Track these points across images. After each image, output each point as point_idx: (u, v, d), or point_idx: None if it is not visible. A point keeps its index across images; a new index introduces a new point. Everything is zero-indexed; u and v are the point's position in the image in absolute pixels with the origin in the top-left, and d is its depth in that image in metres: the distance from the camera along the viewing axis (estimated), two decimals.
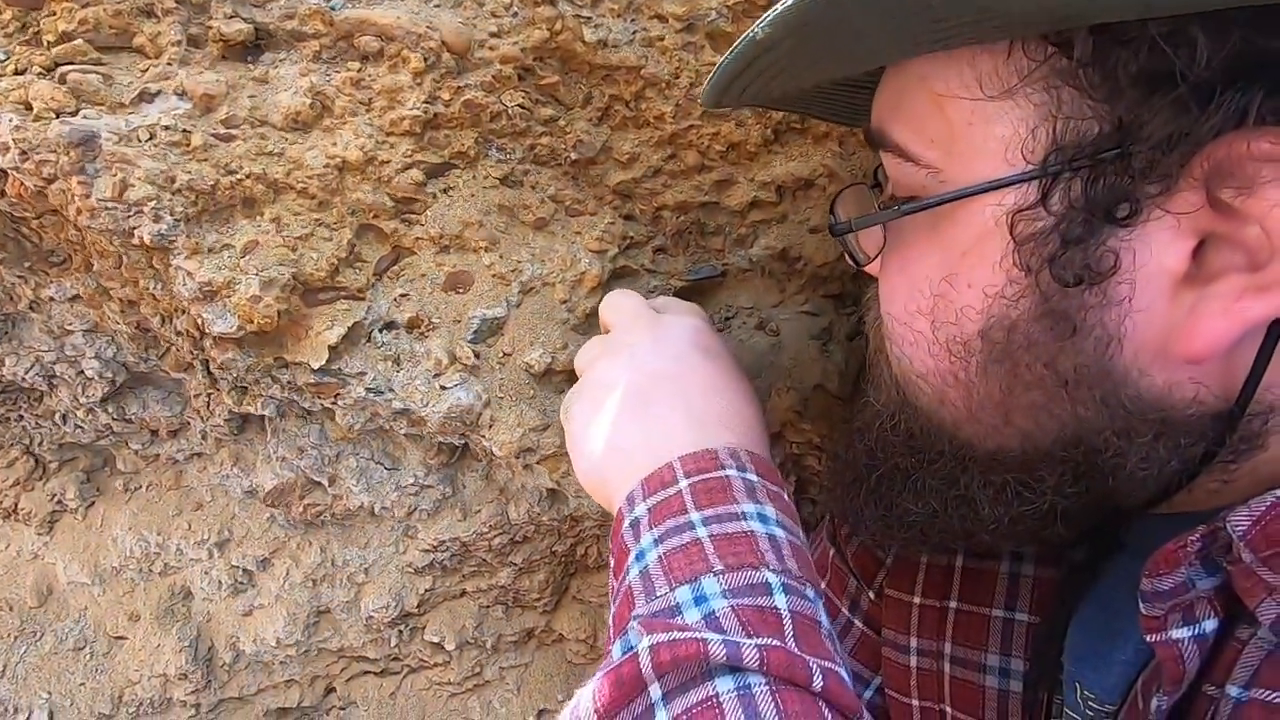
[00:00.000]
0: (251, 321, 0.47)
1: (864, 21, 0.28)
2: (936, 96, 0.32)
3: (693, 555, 0.34)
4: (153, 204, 0.44)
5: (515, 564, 0.62)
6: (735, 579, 0.33)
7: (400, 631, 0.64)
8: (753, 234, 0.64)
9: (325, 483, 0.60)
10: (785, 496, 0.39)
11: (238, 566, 0.62)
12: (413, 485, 0.60)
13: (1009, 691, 0.43)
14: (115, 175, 0.43)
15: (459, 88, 0.54)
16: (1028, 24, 0.26)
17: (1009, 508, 0.34)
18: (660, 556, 0.35)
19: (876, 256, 0.40)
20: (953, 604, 0.46)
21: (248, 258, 0.47)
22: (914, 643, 0.48)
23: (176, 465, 0.65)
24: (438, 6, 0.55)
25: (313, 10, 0.50)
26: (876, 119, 0.37)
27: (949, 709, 0.46)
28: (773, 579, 0.33)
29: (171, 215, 0.44)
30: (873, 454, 0.41)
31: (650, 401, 0.42)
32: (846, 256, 0.42)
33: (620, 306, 0.50)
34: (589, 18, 0.57)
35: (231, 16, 0.49)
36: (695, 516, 0.35)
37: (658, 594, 0.33)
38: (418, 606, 0.63)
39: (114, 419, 0.61)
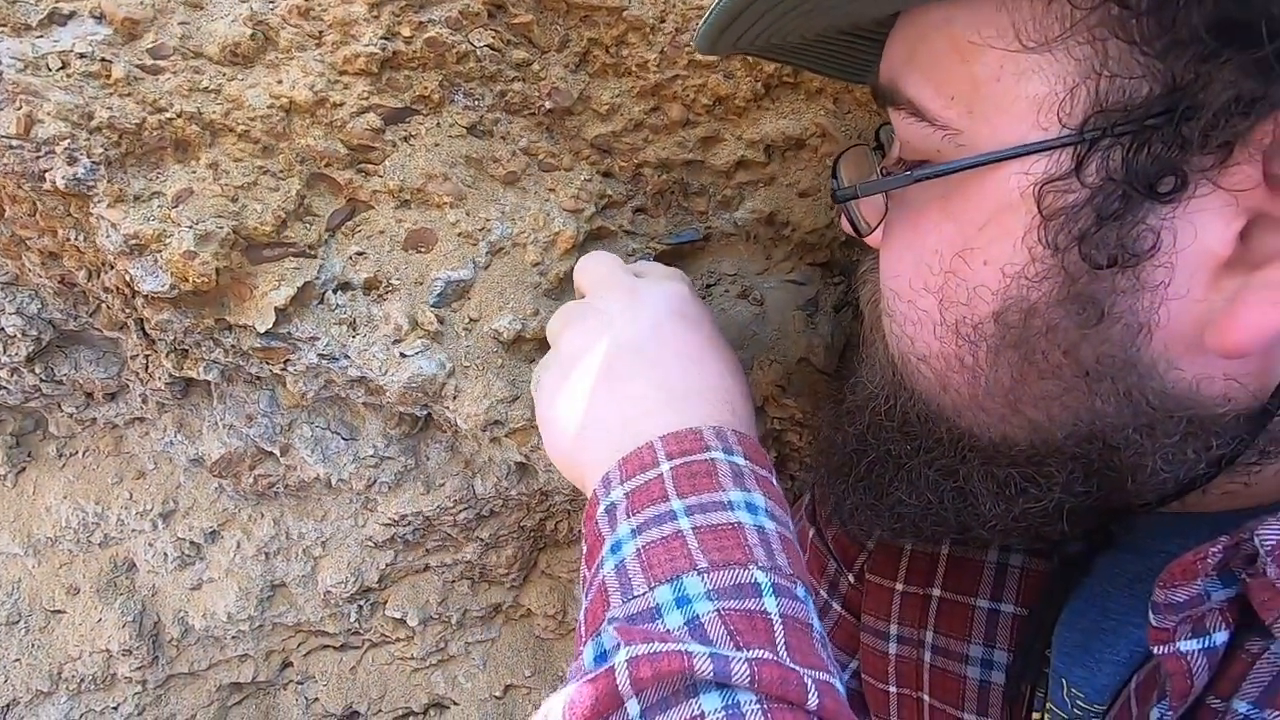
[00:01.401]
0: (186, 280, 0.42)
1: None
2: (961, 45, 0.28)
3: (674, 549, 0.31)
4: (66, 143, 0.39)
5: (482, 539, 0.59)
6: (721, 578, 0.30)
7: (360, 606, 0.61)
8: (739, 196, 0.61)
9: (277, 452, 0.56)
10: (774, 481, 0.36)
11: (184, 539, 0.59)
12: (372, 456, 0.56)
13: (990, 683, 0.42)
14: (20, 109, 0.37)
15: (421, 23, 0.49)
16: None
17: (1011, 504, 0.32)
18: (639, 549, 0.32)
19: (878, 226, 0.36)
20: (936, 592, 0.45)
21: (181, 208, 0.42)
22: (894, 630, 0.46)
23: (115, 430, 0.61)
24: None
25: None
26: (887, 72, 0.33)
27: (927, 697, 0.45)
28: (762, 578, 0.30)
29: (89, 157, 0.39)
30: (863, 438, 0.38)
31: (625, 375, 0.39)
32: (845, 224, 0.39)
33: (594, 270, 0.46)
34: None
35: None
36: (678, 505, 0.33)
37: (635, 593, 0.30)
38: (378, 581, 0.60)
39: (42, 380, 0.56)
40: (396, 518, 0.57)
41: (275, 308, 0.46)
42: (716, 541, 0.31)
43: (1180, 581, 0.27)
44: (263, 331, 0.46)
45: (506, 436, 0.53)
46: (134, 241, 0.41)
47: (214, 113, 0.44)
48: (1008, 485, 0.32)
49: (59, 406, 0.59)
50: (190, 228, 0.42)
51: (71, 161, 0.39)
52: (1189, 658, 0.28)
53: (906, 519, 0.36)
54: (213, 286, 0.43)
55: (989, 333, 0.30)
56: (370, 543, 0.59)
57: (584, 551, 0.35)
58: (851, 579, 0.51)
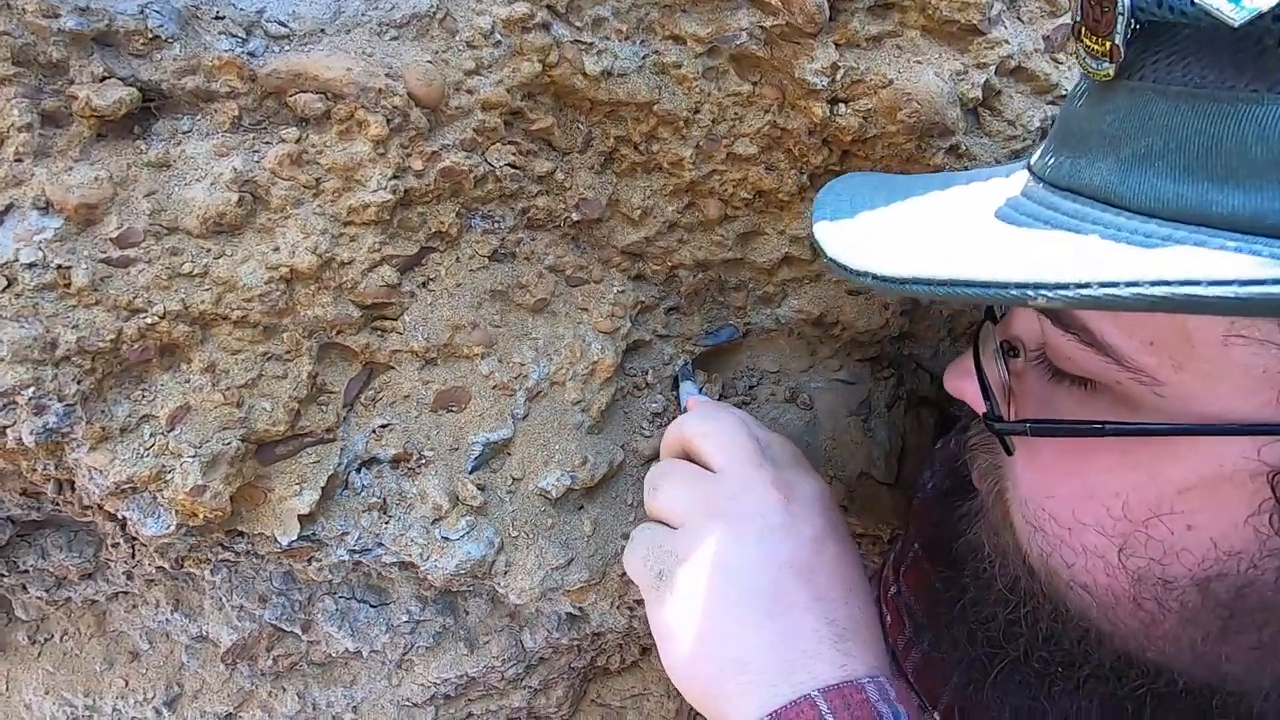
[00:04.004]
0: (196, 516, 0.35)
1: None
2: None
3: None
4: (30, 391, 0.31)
5: (530, 687, 0.55)
6: None
7: None
8: (781, 293, 0.56)
9: (298, 631, 0.49)
10: None
11: None
12: (406, 622, 0.50)
13: None
14: None
15: (433, 153, 0.42)
16: None
17: None
18: None
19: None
20: None
21: (178, 431, 0.35)
22: None
23: (96, 606, 0.53)
24: (396, 39, 0.41)
25: (223, 61, 0.36)
26: None
27: None
28: None
29: (60, 400, 0.31)
30: (996, 642, 0.35)
31: (787, 604, 0.35)
32: (965, 391, 0.34)
33: (725, 441, 0.40)
34: (590, 43, 0.44)
35: (104, 78, 0.34)
36: None
37: None
38: None
39: (3, 574, 0.48)
40: (438, 681, 0.52)
41: (299, 516, 0.39)
42: None
43: None
44: (285, 544, 0.39)
45: (562, 596, 0.48)
46: (127, 486, 0.33)
47: (202, 302, 0.36)
48: None
49: (24, 589, 0.51)
50: (194, 455, 0.34)
51: (39, 411, 0.31)
52: None
53: None
54: (226, 516, 0.36)
55: (1186, 597, 0.27)
56: (408, 702, 0.54)
57: None
58: (937, 717, 0.49)
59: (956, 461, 0.47)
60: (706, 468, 0.40)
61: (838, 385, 0.56)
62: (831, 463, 0.54)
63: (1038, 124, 0.49)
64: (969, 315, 0.57)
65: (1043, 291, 0.20)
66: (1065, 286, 0.19)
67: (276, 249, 0.38)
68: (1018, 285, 0.20)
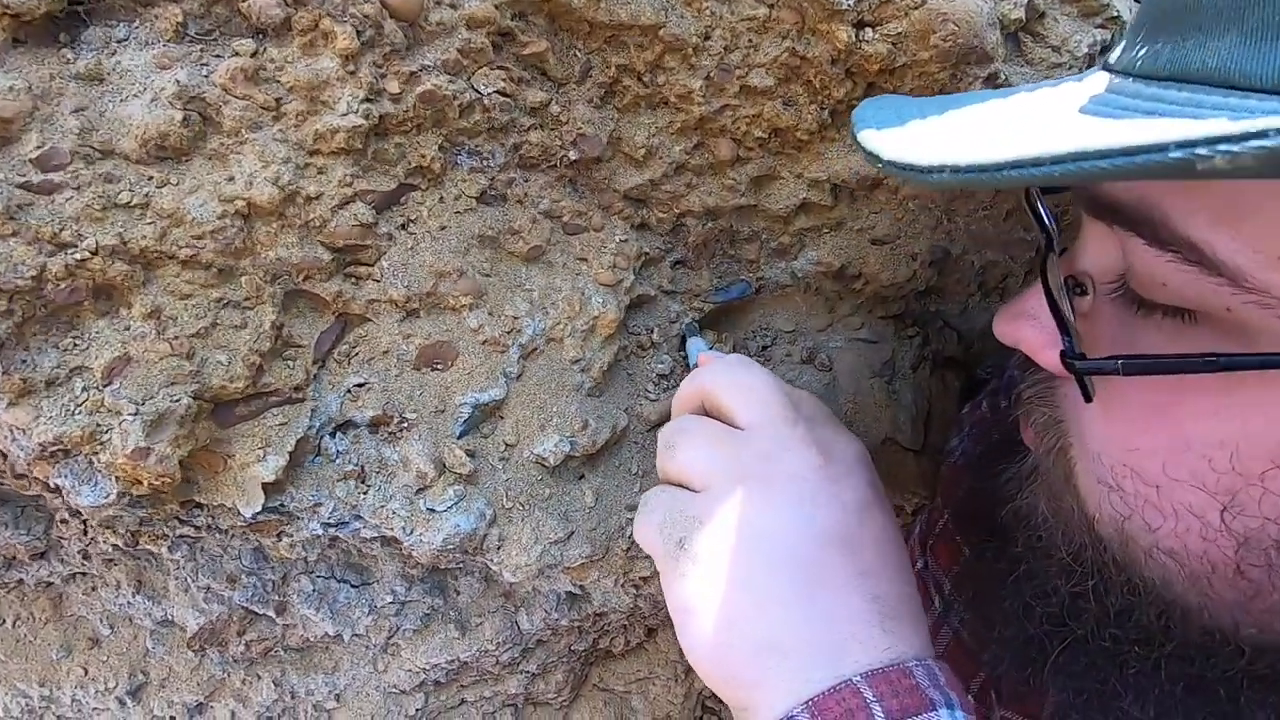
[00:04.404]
0: (140, 483, 0.31)
1: None
2: None
3: None
4: None
5: (528, 671, 0.51)
6: None
7: None
8: (798, 243, 0.51)
9: (271, 614, 0.45)
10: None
11: (162, 716, 0.48)
12: (391, 603, 0.46)
13: None
14: None
15: (412, 74, 0.37)
16: None
17: None
18: None
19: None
20: None
21: (116, 386, 0.30)
22: None
23: (51, 589, 0.49)
24: None
25: None
26: (1129, 189, 0.24)
27: None
28: None
29: None
30: (1059, 619, 0.31)
31: (826, 578, 0.31)
32: (1031, 344, 0.30)
33: (756, 395, 0.36)
34: None
35: None
36: None
37: None
38: None
39: None
40: (427, 667, 0.48)
41: (263, 484, 0.34)
42: None
43: None
44: (249, 516, 0.35)
45: (562, 573, 0.44)
46: (55, 448, 0.29)
47: (144, 238, 0.31)
48: None
49: None
50: (135, 414, 0.30)
51: None
52: None
53: None
54: (176, 482, 0.32)
55: None
56: (395, 689, 0.50)
57: None
58: (971, 699, 0.45)
59: (999, 421, 0.43)
60: (731, 424, 0.36)
61: (859, 344, 0.52)
62: (853, 427, 0.50)
63: (1086, 50, 0.45)
64: (1003, 267, 0.53)
65: (1222, 147, 0.15)
66: (1264, 135, 0.14)
67: (231, 179, 0.33)
68: (1179, 144, 0.15)
